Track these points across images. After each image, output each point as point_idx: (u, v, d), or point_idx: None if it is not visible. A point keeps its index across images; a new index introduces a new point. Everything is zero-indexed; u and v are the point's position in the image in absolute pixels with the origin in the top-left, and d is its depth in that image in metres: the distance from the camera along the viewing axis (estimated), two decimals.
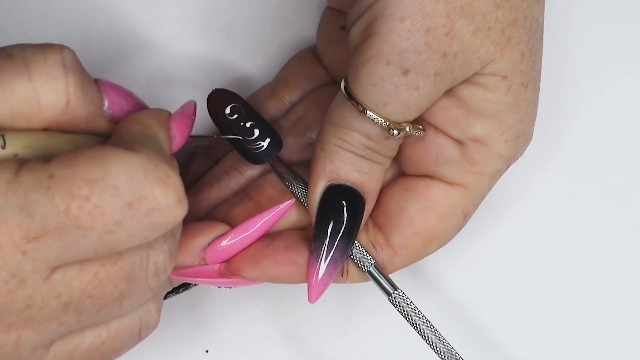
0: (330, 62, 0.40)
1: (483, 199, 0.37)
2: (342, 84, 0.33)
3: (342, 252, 0.35)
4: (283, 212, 0.35)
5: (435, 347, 0.36)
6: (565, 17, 0.43)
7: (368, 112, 0.33)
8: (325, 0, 0.41)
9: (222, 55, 0.43)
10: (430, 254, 0.37)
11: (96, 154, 0.26)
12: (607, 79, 0.43)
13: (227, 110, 0.36)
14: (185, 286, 0.38)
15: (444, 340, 0.36)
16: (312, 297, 0.35)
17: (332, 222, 0.35)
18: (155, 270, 0.29)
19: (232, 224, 0.35)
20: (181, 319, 0.42)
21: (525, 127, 0.35)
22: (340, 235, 0.35)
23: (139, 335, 0.31)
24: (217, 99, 0.37)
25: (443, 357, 0.36)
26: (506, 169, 0.36)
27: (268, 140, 0.36)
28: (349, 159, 0.34)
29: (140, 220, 0.26)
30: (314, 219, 0.35)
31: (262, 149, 0.36)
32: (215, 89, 0.37)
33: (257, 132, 0.36)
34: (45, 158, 0.26)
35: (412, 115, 0.33)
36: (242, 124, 0.36)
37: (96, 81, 0.29)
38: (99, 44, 0.42)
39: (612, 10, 0.43)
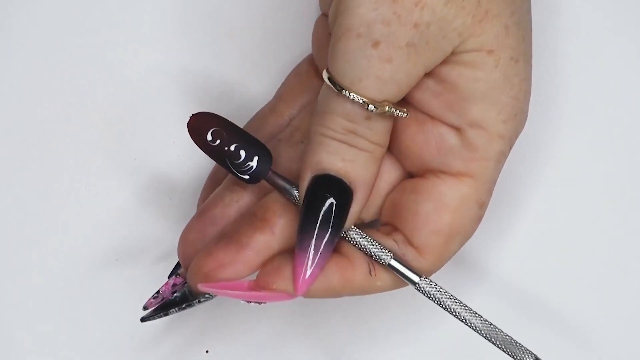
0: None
1: (494, 184, 0.36)
2: (325, 71, 0.33)
3: (330, 243, 0.34)
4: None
5: (472, 325, 0.35)
6: (561, 14, 0.43)
7: (344, 91, 0.32)
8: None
9: (221, 59, 0.43)
10: (456, 251, 0.36)
11: None
12: (605, 76, 0.43)
13: (209, 137, 0.35)
14: (189, 303, 0.37)
15: (480, 317, 0.35)
16: (299, 289, 0.34)
17: (318, 212, 0.34)
18: None
19: (243, 244, 0.35)
20: (181, 319, 0.42)
21: (522, 104, 0.35)
22: (328, 226, 0.34)
23: None
24: (197, 126, 0.35)
25: (482, 333, 0.35)
26: (509, 150, 0.36)
27: (256, 158, 0.35)
28: (333, 148, 0.34)
29: None
30: (300, 212, 0.35)
31: (253, 169, 0.35)
32: (193, 114, 0.36)
33: (243, 153, 0.35)
34: None
35: (391, 91, 0.33)
36: (226, 148, 0.35)
37: None
38: (93, 45, 0.42)
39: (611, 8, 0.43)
